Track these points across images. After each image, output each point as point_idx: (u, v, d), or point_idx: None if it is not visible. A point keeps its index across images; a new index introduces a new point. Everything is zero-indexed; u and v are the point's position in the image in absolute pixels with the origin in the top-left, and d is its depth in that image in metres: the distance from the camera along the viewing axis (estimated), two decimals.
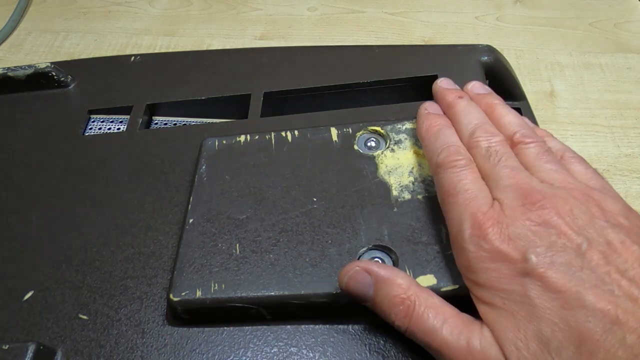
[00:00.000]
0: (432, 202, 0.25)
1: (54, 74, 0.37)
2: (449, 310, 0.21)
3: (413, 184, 0.26)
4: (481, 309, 0.20)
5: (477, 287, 0.20)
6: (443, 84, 0.28)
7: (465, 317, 0.21)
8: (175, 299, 0.24)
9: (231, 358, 0.23)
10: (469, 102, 0.26)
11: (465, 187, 0.22)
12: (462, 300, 0.23)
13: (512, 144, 0.24)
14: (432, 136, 0.25)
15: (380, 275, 0.22)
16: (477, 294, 0.21)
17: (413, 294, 0.21)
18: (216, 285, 0.24)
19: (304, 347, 0.23)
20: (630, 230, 0.19)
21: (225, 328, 0.24)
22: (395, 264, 0.24)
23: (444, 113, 0.27)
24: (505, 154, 0.23)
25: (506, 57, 0.36)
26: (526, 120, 0.26)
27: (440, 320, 0.20)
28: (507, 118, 0.25)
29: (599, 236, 0.19)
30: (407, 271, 0.23)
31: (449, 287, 0.23)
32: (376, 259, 0.24)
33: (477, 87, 0.28)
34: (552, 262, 0.19)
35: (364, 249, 0.24)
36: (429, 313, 0.21)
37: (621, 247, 0.19)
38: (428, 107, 0.27)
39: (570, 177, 0.22)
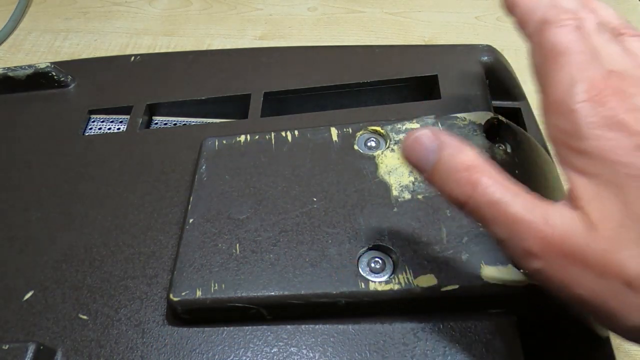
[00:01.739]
0: (432, 202, 0.25)
1: (54, 74, 0.37)
2: (520, 187, 0.19)
3: (413, 184, 0.26)
4: (576, 181, 0.18)
5: (579, 156, 0.18)
6: None
7: (539, 195, 0.19)
8: (175, 299, 0.24)
9: (231, 358, 0.23)
10: None
11: (580, 47, 0.20)
12: (463, 300, 0.23)
13: (615, 32, 0.22)
14: None
15: (447, 141, 0.20)
16: (577, 164, 0.18)
17: (481, 164, 0.19)
18: (216, 285, 0.24)
19: (304, 347, 0.23)
20: None
21: (225, 328, 0.24)
22: (395, 264, 0.24)
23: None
24: (615, 34, 0.21)
25: (506, 57, 0.36)
26: None
27: (510, 194, 0.18)
28: (606, 10, 0.24)
29: None
30: (407, 271, 0.23)
31: (449, 287, 0.23)
32: (376, 259, 0.24)
33: None
34: None
35: (364, 249, 0.24)
36: (498, 185, 0.18)
37: None
38: None
39: None
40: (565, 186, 0.19)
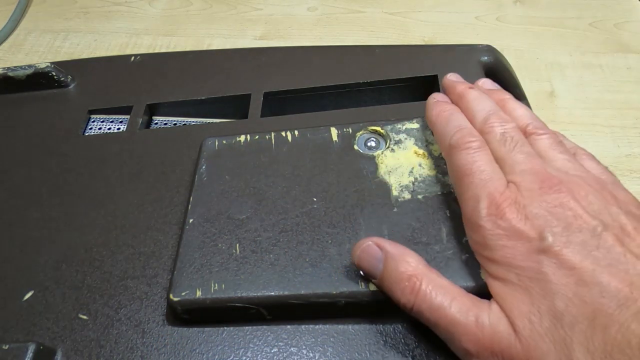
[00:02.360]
0: (432, 202, 0.25)
1: (54, 74, 0.37)
2: (456, 290, 0.21)
3: (413, 184, 0.26)
4: (493, 285, 0.21)
5: (491, 263, 0.21)
6: (452, 78, 0.28)
7: (472, 296, 0.21)
8: (175, 299, 0.24)
9: (231, 358, 0.23)
10: (480, 92, 0.27)
11: (480, 167, 0.22)
12: None
13: (526, 134, 0.24)
14: (444, 120, 0.25)
15: (390, 251, 0.22)
16: (490, 271, 0.21)
17: (421, 272, 0.21)
18: (216, 285, 0.24)
19: (304, 347, 0.23)
20: None
21: (225, 328, 0.24)
22: None
23: (454, 103, 0.27)
24: (520, 140, 0.23)
25: (506, 57, 0.36)
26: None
27: (448, 298, 0.20)
28: (519, 111, 0.26)
29: (613, 221, 0.20)
30: None
31: None
32: None
33: (487, 83, 0.29)
34: (568, 241, 0.19)
35: None
36: (437, 291, 0.21)
37: (634, 232, 0.19)
38: (436, 96, 0.28)
39: (583, 168, 0.22)
40: None
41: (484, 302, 0.20)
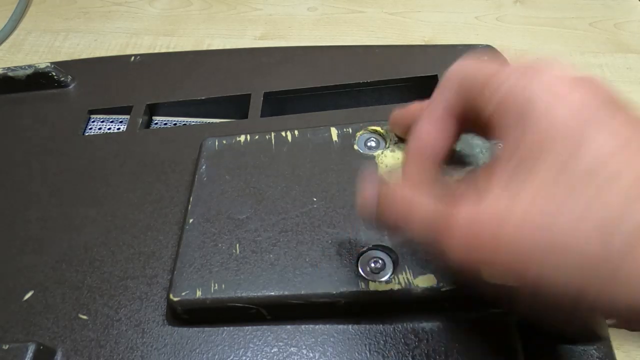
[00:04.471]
0: None
1: (54, 74, 0.37)
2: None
3: None
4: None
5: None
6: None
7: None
8: (175, 299, 0.24)
9: (231, 358, 0.23)
10: None
11: None
12: (463, 300, 0.23)
13: None
14: None
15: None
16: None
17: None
18: (216, 285, 0.24)
19: (304, 347, 0.23)
20: None
21: (225, 328, 0.24)
22: (395, 264, 0.24)
23: None
24: None
25: (506, 57, 0.36)
26: None
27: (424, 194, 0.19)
28: None
29: None
30: (407, 271, 0.23)
31: (449, 287, 0.23)
32: (376, 259, 0.24)
33: None
34: None
35: (364, 249, 0.24)
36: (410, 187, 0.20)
37: None
38: None
39: None
40: None
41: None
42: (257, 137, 0.29)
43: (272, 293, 0.23)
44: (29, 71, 0.37)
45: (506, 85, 0.18)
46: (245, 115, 0.34)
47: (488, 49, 0.35)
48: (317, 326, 0.24)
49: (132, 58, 0.40)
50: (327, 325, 0.24)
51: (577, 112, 0.16)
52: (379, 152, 0.28)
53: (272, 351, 0.23)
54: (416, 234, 0.19)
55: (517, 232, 0.16)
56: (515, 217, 0.16)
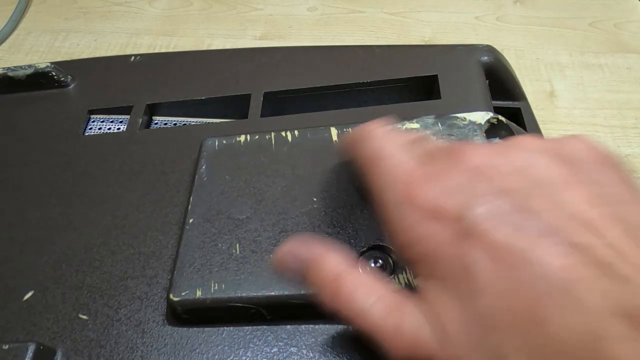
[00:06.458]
0: None
1: (54, 74, 0.37)
2: (381, 289, 0.18)
3: None
4: (422, 285, 0.18)
5: (416, 263, 0.18)
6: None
7: (401, 295, 0.18)
8: (175, 299, 0.24)
9: (231, 358, 0.23)
10: None
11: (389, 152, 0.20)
12: None
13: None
14: None
15: (311, 253, 0.20)
16: (417, 271, 0.18)
17: (343, 271, 0.19)
18: (216, 285, 0.24)
19: (304, 347, 0.23)
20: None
21: (225, 328, 0.24)
22: (395, 264, 0.24)
23: None
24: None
25: (506, 57, 0.36)
26: None
27: (370, 299, 0.18)
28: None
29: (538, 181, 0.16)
30: (407, 271, 0.23)
31: None
32: (376, 259, 0.24)
33: None
34: (491, 215, 0.16)
35: (364, 249, 0.24)
36: (358, 293, 0.18)
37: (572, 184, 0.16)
38: None
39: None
40: None
41: (410, 303, 0.17)
42: (257, 137, 0.29)
43: (272, 293, 0.23)
44: (29, 71, 0.37)
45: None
46: (245, 115, 0.34)
47: (488, 48, 0.35)
48: (317, 326, 0.24)
49: (132, 58, 0.40)
50: (327, 325, 0.24)
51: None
52: None
53: (272, 351, 0.23)
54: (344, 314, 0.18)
55: None
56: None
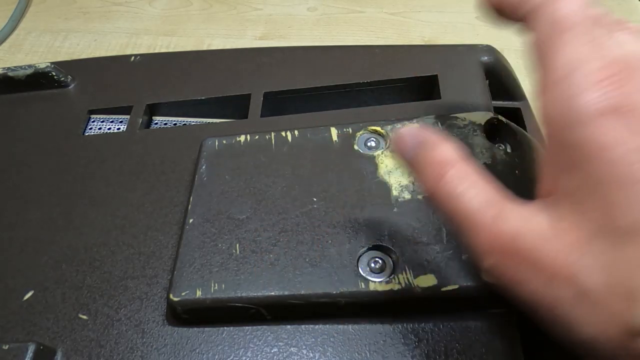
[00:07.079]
0: (432, 202, 0.25)
1: (54, 74, 0.37)
2: (491, 186, 0.18)
3: (413, 184, 0.26)
4: (560, 178, 0.17)
5: (570, 148, 0.16)
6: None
7: (510, 195, 0.18)
8: (175, 299, 0.24)
9: (231, 358, 0.23)
10: None
11: (586, 25, 0.18)
12: (463, 300, 0.23)
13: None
14: None
15: (427, 138, 0.20)
16: (564, 158, 0.17)
17: (453, 159, 0.19)
18: (216, 285, 0.24)
19: (304, 347, 0.23)
20: None
21: (225, 328, 0.24)
22: (395, 264, 0.24)
23: None
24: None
25: (506, 57, 0.36)
26: None
27: (475, 190, 0.18)
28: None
29: None
30: (407, 271, 0.23)
31: (449, 287, 0.23)
32: (376, 259, 0.24)
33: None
34: None
35: (364, 249, 0.24)
36: (463, 180, 0.18)
37: None
38: None
39: None
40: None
41: (521, 202, 0.17)
42: (257, 137, 0.29)
43: (272, 293, 0.23)
44: (29, 71, 0.37)
45: None
46: (245, 115, 0.34)
47: (488, 48, 0.35)
48: (317, 326, 0.24)
49: (132, 58, 0.40)
50: (327, 325, 0.24)
51: None
52: (379, 152, 0.28)
53: (272, 351, 0.23)
54: (449, 213, 0.18)
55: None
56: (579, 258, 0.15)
